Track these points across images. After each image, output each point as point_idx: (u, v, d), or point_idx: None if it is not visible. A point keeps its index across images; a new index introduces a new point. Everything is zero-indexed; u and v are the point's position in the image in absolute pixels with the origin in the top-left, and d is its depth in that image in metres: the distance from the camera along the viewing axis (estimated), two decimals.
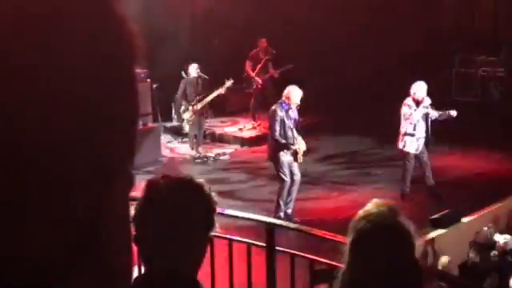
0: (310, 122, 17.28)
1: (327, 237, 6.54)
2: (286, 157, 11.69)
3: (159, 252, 2.68)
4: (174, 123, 17.56)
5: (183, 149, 16.45)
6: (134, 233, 2.64)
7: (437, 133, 16.32)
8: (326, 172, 14.60)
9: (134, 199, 2.55)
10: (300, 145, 11.77)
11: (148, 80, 16.25)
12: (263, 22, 19.03)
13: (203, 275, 2.91)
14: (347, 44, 19.33)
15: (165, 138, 16.87)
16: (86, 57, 0.80)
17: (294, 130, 11.73)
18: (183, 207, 2.70)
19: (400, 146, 12.57)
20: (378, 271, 2.80)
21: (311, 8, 19.48)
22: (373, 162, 15.17)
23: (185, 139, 16.56)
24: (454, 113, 12.41)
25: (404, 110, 12.29)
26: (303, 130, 12.43)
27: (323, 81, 18.25)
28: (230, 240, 6.26)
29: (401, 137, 12.48)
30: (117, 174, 0.83)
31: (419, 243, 10.32)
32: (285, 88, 12.02)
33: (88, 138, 0.79)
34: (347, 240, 2.92)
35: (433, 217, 11.49)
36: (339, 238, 6.25)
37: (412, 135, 12.36)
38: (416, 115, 12.25)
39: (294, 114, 11.78)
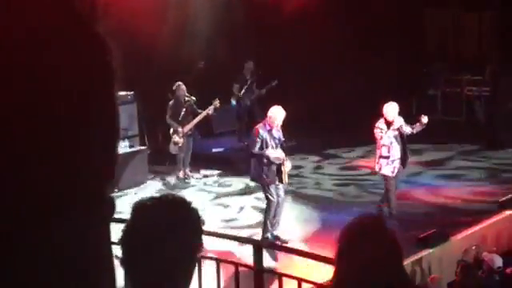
0: (294, 143, 17.35)
1: (315, 256, 6.55)
2: (269, 176, 11.66)
3: (145, 275, 2.67)
4: (161, 144, 17.54)
5: (169, 171, 16.42)
6: (120, 256, 2.64)
7: (422, 152, 16.44)
8: (314, 191, 14.60)
9: (121, 221, 2.55)
10: (285, 165, 11.75)
11: (134, 102, 16.26)
12: (249, 39, 19.12)
13: None
14: (331, 65, 19.41)
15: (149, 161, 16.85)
16: (68, 82, 0.81)
17: (280, 150, 11.72)
18: (170, 228, 2.69)
19: (376, 168, 12.54)
20: (364, 282, 2.81)
21: (297, 25, 19.57)
22: (362, 180, 15.20)
23: (171, 162, 16.53)
24: (424, 119, 12.33)
25: (376, 132, 12.25)
26: (288, 149, 12.42)
27: (305, 100, 18.33)
28: (218, 260, 6.25)
29: (376, 159, 12.46)
30: (95, 197, 0.83)
31: (407, 262, 10.33)
32: (270, 107, 12.07)
33: (66, 160, 0.79)
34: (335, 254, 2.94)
35: (420, 236, 11.50)
36: (327, 256, 6.26)
37: (387, 157, 12.31)
38: (386, 138, 12.21)
39: (277, 133, 11.78)
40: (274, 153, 11.61)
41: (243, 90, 17.98)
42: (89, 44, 0.83)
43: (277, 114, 11.77)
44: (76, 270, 0.83)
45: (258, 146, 11.60)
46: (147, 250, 2.66)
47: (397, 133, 12.21)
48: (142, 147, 16.33)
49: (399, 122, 12.29)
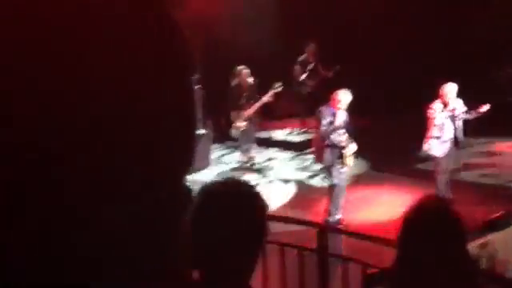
0: (359, 125, 17.22)
1: (379, 240, 6.51)
2: (334, 159, 11.64)
3: (212, 259, 2.68)
4: (224, 128, 17.59)
5: (233, 155, 16.47)
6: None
7: (493, 134, 16.19)
8: (378, 174, 14.51)
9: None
10: (349, 148, 11.71)
11: (198, 86, 16.32)
12: (313, 24, 18.99)
13: (255, 280, 2.91)
14: (399, 43, 19.20)
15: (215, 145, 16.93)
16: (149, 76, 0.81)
17: (344, 133, 11.68)
18: (236, 213, 2.70)
19: (425, 148, 12.38)
20: (428, 264, 2.78)
21: (362, 8, 19.40)
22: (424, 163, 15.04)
23: (233, 146, 16.59)
24: (483, 108, 12.16)
25: (428, 112, 12.10)
26: (353, 132, 12.34)
27: (374, 82, 18.15)
28: (282, 245, 6.26)
29: (426, 139, 12.32)
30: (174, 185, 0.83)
31: (472, 246, 10.20)
32: (334, 91, 12.00)
33: (148, 148, 0.80)
34: (398, 240, 2.91)
35: (486, 219, 11.34)
36: (391, 240, 6.21)
37: (437, 138, 12.19)
38: (439, 118, 12.06)
39: (342, 116, 11.73)
40: (338, 136, 11.58)
41: (305, 74, 17.87)
42: (166, 33, 0.84)
43: (342, 96, 11.72)
44: (151, 244, 0.84)
45: (323, 128, 11.58)
46: (212, 234, 2.67)
47: (451, 114, 12.05)
48: (206, 131, 16.40)
49: (457, 103, 12.12)
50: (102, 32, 0.71)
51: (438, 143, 12.16)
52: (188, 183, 0.81)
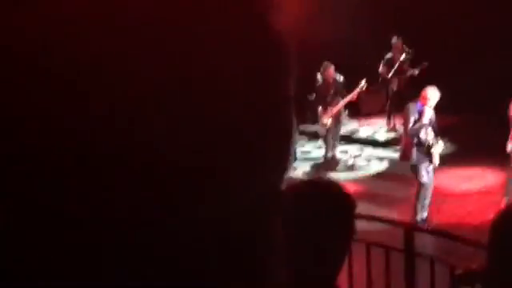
0: (446, 124, 17.00)
1: (468, 241, 6.42)
2: (421, 157, 11.52)
3: (301, 258, 2.69)
4: (310, 125, 17.60)
5: (319, 151, 16.47)
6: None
7: None
8: (465, 173, 14.28)
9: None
10: (436, 146, 11.55)
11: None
12: (401, 21, 18.82)
13: (341, 279, 2.91)
14: (498, 41, 18.85)
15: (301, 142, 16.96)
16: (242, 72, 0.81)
17: (431, 131, 11.54)
18: (322, 212, 2.70)
19: (508, 149, 11.77)
20: None
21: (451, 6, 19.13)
22: None
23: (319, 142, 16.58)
24: None
25: (510, 111, 11.73)
26: (440, 131, 12.18)
27: (463, 80, 17.87)
28: (368, 244, 6.22)
29: (511, 140, 11.79)
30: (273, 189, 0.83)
31: None
32: (422, 88, 11.87)
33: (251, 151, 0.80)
34: (487, 242, 2.86)
35: None
36: (480, 241, 6.11)
37: None
38: None
39: (429, 114, 11.58)
40: (425, 134, 11.45)
41: (392, 71, 17.71)
42: (266, 42, 0.84)
43: (431, 93, 11.58)
44: (243, 264, 0.84)
45: (411, 124, 11.47)
46: (299, 233, 2.67)
47: None
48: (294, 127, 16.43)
49: None
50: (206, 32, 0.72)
51: None
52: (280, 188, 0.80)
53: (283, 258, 0.88)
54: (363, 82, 16.06)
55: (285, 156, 0.84)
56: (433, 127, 11.62)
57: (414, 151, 11.55)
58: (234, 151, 0.76)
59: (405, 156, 11.86)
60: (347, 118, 18.31)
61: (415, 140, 11.49)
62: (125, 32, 0.74)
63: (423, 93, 11.66)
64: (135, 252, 0.76)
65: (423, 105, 11.51)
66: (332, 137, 15.92)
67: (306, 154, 16.53)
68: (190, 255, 0.77)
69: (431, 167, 11.63)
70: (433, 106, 11.62)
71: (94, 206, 0.74)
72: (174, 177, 0.76)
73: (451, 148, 13.75)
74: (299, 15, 17.71)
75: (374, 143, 17.07)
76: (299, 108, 17.57)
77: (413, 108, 11.60)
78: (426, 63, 17.51)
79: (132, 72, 0.74)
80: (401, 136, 11.97)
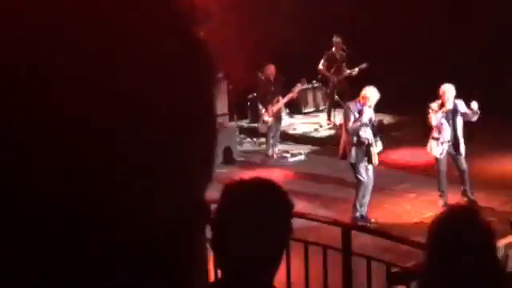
0: (386, 123, 17.18)
1: (404, 240, 6.48)
2: (360, 156, 11.61)
3: (235, 257, 2.67)
4: (250, 123, 17.61)
5: (261, 149, 16.49)
6: (210, 237, 2.65)
7: None
8: (403, 173, 14.43)
9: (212, 202, 2.55)
10: (375, 146, 11.67)
11: (224, 81, 16.38)
12: (344, 20, 18.97)
13: (278, 279, 2.90)
14: (427, 42, 19.17)
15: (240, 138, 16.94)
16: (165, 78, 0.80)
17: (370, 130, 11.64)
18: (260, 211, 2.69)
19: (427, 149, 12.31)
20: (461, 273, 2.75)
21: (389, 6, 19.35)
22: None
23: (260, 140, 16.61)
24: (473, 105, 11.99)
25: (429, 112, 12.06)
26: (379, 131, 12.29)
27: (400, 80, 18.08)
28: (306, 243, 6.24)
29: (429, 140, 12.25)
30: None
31: (499, 246, 10.13)
32: (362, 88, 11.96)
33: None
34: (425, 243, 2.89)
35: None
36: (416, 240, 6.18)
37: (436, 139, 12.08)
38: (434, 119, 11.94)
39: (369, 113, 11.68)
40: (364, 133, 11.54)
41: (332, 69, 17.80)
42: (189, 53, 0.82)
43: (371, 94, 11.67)
44: (166, 270, 0.82)
45: (350, 124, 11.55)
46: (236, 233, 2.66)
47: (448, 115, 11.93)
48: (232, 126, 16.46)
49: (458, 104, 11.99)
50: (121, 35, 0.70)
51: (437, 144, 12.08)
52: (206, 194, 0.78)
53: (206, 266, 0.87)
54: (303, 81, 16.18)
55: (208, 167, 0.82)
56: (372, 127, 11.73)
57: (353, 150, 11.63)
58: (156, 163, 0.75)
59: (344, 155, 11.94)
60: (288, 115, 18.39)
61: (355, 139, 11.57)
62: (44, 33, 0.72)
63: (363, 92, 11.75)
64: (57, 248, 0.74)
65: (363, 104, 11.60)
66: (273, 135, 15.98)
67: (247, 152, 16.52)
68: (111, 256, 0.76)
69: (370, 166, 11.73)
70: (372, 106, 11.73)
71: (17, 204, 0.73)
72: (101, 181, 0.75)
73: (389, 147, 13.84)
74: (243, 17, 17.75)
75: (314, 141, 17.14)
76: (241, 106, 17.63)
77: (353, 107, 11.68)
78: (365, 64, 17.66)
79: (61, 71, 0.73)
80: (340, 134, 12.04)
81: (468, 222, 2.83)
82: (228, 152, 15.44)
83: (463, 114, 12.07)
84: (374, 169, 11.85)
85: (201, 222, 0.83)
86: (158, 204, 0.75)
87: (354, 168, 11.77)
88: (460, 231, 2.81)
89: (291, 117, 18.78)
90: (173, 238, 0.77)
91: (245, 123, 17.77)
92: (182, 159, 0.77)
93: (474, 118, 12.12)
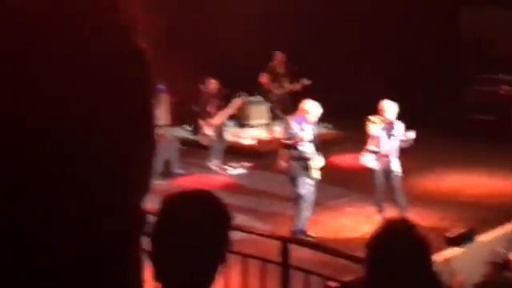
0: (326, 138, 17.28)
1: (342, 254, 6.53)
2: (299, 170, 11.65)
3: (173, 270, 2.68)
4: (192, 136, 17.55)
5: (202, 162, 16.44)
6: (149, 249, 2.65)
7: (453, 151, 16.32)
8: (342, 188, 14.51)
9: (151, 214, 2.55)
10: (316, 161, 11.71)
11: (166, 93, 16.33)
12: (280, 35, 19.08)
13: None
14: (365, 56, 19.43)
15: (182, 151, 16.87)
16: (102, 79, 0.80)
17: (311, 145, 11.69)
18: (198, 223, 2.70)
19: (361, 161, 12.37)
20: (398, 286, 2.79)
21: (327, 21, 19.56)
22: None
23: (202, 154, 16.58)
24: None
25: (368, 123, 12.16)
26: (320, 145, 12.35)
27: (341, 94, 18.28)
28: (245, 256, 6.24)
29: (364, 151, 12.32)
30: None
31: (435, 261, 10.26)
32: (302, 102, 12.03)
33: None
34: (364, 257, 2.92)
35: (448, 235, 11.42)
36: (354, 255, 6.23)
37: (372, 152, 12.17)
38: (375, 128, 12.03)
39: (309, 128, 11.73)
40: (303, 147, 11.59)
41: (274, 83, 17.85)
42: (122, 55, 0.83)
43: (310, 108, 11.72)
44: (103, 281, 0.83)
45: (290, 137, 11.58)
46: (175, 245, 2.66)
47: (389, 129, 12.05)
48: (173, 138, 16.39)
49: (397, 125, 12.14)
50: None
51: (374, 157, 12.19)
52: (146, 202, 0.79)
53: (141, 278, 0.88)
54: (244, 94, 16.23)
55: (146, 179, 0.83)
56: (313, 141, 11.76)
57: (293, 164, 11.67)
58: (93, 176, 0.75)
59: (283, 168, 11.97)
60: (230, 128, 18.39)
61: (295, 153, 11.61)
62: None
63: (303, 106, 11.80)
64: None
65: (303, 118, 11.65)
66: (214, 147, 15.97)
67: (189, 165, 16.45)
68: (50, 269, 0.76)
69: (310, 181, 11.77)
70: (313, 120, 11.79)
71: None
72: (36, 193, 0.75)
73: (329, 161, 13.94)
74: (187, 30, 17.74)
75: (254, 154, 17.16)
76: (182, 118, 17.56)
77: (292, 122, 11.72)
78: (307, 80, 17.76)
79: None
80: (280, 148, 12.06)
81: (404, 236, 2.87)
82: (169, 164, 15.37)
83: (398, 136, 12.14)
84: (315, 183, 11.89)
85: (139, 233, 0.84)
86: (96, 216, 0.76)
87: (294, 182, 11.80)
88: (396, 245, 2.85)
89: (233, 129, 18.78)
90: (111, 250, 0.78)
91: (188, 135, 17.71)
92: (120, 171, 0.77)
93: (406, 145, 12.19)
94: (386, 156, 12.13)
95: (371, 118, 12.14)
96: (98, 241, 0.80)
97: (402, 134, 12.14)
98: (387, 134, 12.07)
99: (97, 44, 0.81)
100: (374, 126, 12.04)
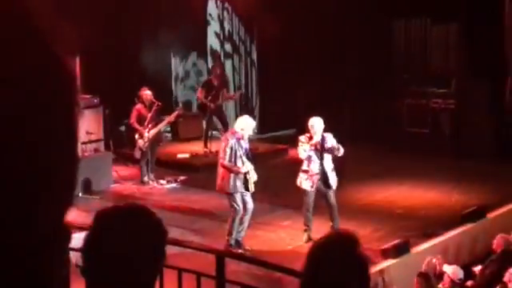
0: (261, 150, 17.35)
1: (278, 267, 6.54)
2: (238, 185, 11.65)
3: (107, 284, 2.63)
4: (125, 150, 17.43)
5: (133, 175, 16.33)
6: (82, 264, 2.60)
7: (386, 163, 16.54)
8: (278, 200, 14.54)
9: (84, 229, 2.51)
10: (251, 173, 11.73)
11: (100, 106, 16.21)
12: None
13: None
14: (296, 71, 19.62)
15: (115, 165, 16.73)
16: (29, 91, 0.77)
17: (245, 159, 11.70)
18: (132, 238, 2.65)
19: (297, 182, 12.35)
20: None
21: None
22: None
23: (135, 167, 16.46)
24: (340, 151, 12.13)
25: (298, 145, 12.25)
26: (254, 158, 12.36)
27: (271, 106, 18.45)
28: (180, 270, 6.20)
29: (299, 173, 12.35)
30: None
31: (370, 273, 10.33)
32: (237, 120, 12.10)
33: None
34: (301, 270, 2.91)
35: (383, 247, 11.53)
36: (290, 268, 6.24)
37: (306, 172, 12.20)
38: (302, 152, 12.07)
39: (245, 143, 11.77)
40: (244, 166, 11.60)
41: (210, 96, 17.82)
42: (45, 66, 0.79)
43: (244, 123, 11.76)
44: None
45: (227, 156, 11.58)
46: (109, 259, 2.62)
47: (317, 148, 12.06)
48: (107, 151, 16.26)
49: (326, 137, 12.15)
50: None
51: (307, 177, 12.21)
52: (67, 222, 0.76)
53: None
54: (179, 106, 16.20)
55: (68, 192, 0.80)
56: (247, 155, 11.78)
57: (232, 180, 11.66)
58: (13, 188, 0.72)
59: (221, 186, 11.92)
60: (165, 141, 18.31)
61: (234, 169, 11.61)
62: None
63: (238, 122, 11.85)
64: None
65: (238, 135, 11.66)
66: (148, 161, 15.87)
67: (123, 178, 16.32)
68: None
69: (248, 194, 11.78)
70: (248, 134, 11.82)
71: None
72: None
73: (263, 175, 13.98)
74: (116, 43, 17.64)
75: (189, 168, 17.11)
76: (117, 130, 17.45)
77: (230, 138, 11.71)
78: (241, 91, 17.90)
79: None
80: (217, 166, 12.01)
81: (345, 250, 2.87)
82: (103, 179, 15.23)
83: (330, 149, 12.18)
84: (251, 195, 11.90)
85: (62, 246, 0.80)
86: (16, 229, 0.73)
87: (231, 197, 11.79)
88: (334, 258, 2.85)
89: (168, 143, 18.72)
90: (33, 262, 0.75)
91: (122, 147, 17.60)
92: (41, 184, 0.74)
93: (340, 153, 12.24)
94: (318, 175, 12.14)
95: (300, 138, 12.17)
96: (19, 252, 0.77)
97: (333, 145, 12.16)
98: (317, 153, 12.09)
99: (11, 54, 0.77)
100: (302, 149, 12.05)
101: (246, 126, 11.74)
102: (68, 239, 0.82)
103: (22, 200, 0.76)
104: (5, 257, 0.76)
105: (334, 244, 2.92)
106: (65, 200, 0.82)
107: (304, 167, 12.20)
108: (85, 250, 2.57)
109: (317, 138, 12.01)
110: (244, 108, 19.56)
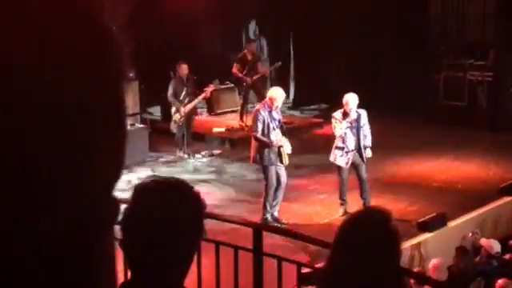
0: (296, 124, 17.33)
1: (314, 240, 6.54)
2: (272, 158, 11.64)
3: (146, 258, 2.65)
4: (162, 123, 17.50)
5: (171, 149, 16.39)
6: (121, 237, 2.62)
7: (423, 137, 16.43)
8: (314, 174, 14.54)
9: (122, 202, 2.53)
10: (285, 146, 11.69)
11: (136, 80, 16.26)
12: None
13: (189, 280, 2.88)
14: (333, 43, 19.52)
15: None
16: (76, 67, 0.78)
17: (279, 131, 11.68)
18: (171, 211, 2.67)
19: (331, 159, 12.33)
20: (356, 273, 2.79)
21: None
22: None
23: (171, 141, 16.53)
24: (367, 154, 12.15)
25: (332, 122, 12.19)
26: (288, 131, 12.33)
27: (309, 79, 18.36)
28: (217, 243, 6.22)
29: (332, 150, 12.30)
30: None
31: (406, 246, 10.33)
32: (269, 90, 12.07)
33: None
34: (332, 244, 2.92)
35: (420, 220, 11.50)
36: (326, 241, 6.23)
37: (341, 148, 12.17)
38: (338, 129, 12.02)
39: (277, 115, 11.74)
40: (276, 136, 11.57)
41: (245, 70, 17.82)
42: (94, 43, 0.80)
43: (276, 95, 11.73)
44: (73, 269, 0.80)
45: (260, 127, 11.57)
46: (147, 233, 2.64)
47: (353, 124, 12.02)
48: (143, 125, 16.33)
49: (360, 114, 12.08)
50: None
51: (342, 154, 12.16)
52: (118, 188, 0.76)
53: (114, 266, 0.85)
54: (216, 81, 16.19)
55: (117, 166, 0.80)
56: (281, 128, 11.77)
57: (266, 152, 11.65)
58: (63, 161, 0.73)
59: (253, 157, 11.95)
60: (201, 116, 18.36)
61: (266, 141, 11.59)
62: None
63: (269, 94, 11.83)
64: None
65: (270, 106, 11.63)
66: (184, 135, 15.91)
67: (159, 152, 16.40)
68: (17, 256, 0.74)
69: (282, 167, 11.78)
70: (280, 106, 11.81)
71: None
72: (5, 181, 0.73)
73: (300, 148, 13.95)
74: (155, 18, 17.66)
75: (227, 141, 17.15)
76: (154, 105, 17.52)
77: (261, 110, 11.69)
78: (278, 63, 17.89)
79: None
80: (251, 138, 12.02)
81: (375, 224, 2.87)
82: (139, 153, 15.31)
83: (364, 126, 12.15)
84: (286, 169, 11.91)
85: (110, 220, 0.81)
86: (67, 201, 0.73)
87: (265, 170, 11.80)
88: (365, 227, 2.85)
89: (204, 117, 18.77)
90: (82, 236, 0.75)
91: (158, 121, 17.67)
92: (91, 158, 0.74)
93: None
94: (354, 151, 12.11)
95: (335, 115, 12.07)
96: (69, 225, 0.77)
97: (366, 123, 12.12)
98: (352, 130, 12.04)
99: (69, 30, 0.78)
100: (339, 127, 11.98)
101: (277, 96, 11.71)
102: (117, 216, 0.83)
103: (76, 172, 0.77)
104: (57, 229, 0.77)
105: (365, 218, 2.92)
106: (114, 174, 0.83)
107: (339, 144, 12.13)
108: (123, 222, 2.59)
109: (352, 115, 11.95)
110: (281, 81, 19.50)
